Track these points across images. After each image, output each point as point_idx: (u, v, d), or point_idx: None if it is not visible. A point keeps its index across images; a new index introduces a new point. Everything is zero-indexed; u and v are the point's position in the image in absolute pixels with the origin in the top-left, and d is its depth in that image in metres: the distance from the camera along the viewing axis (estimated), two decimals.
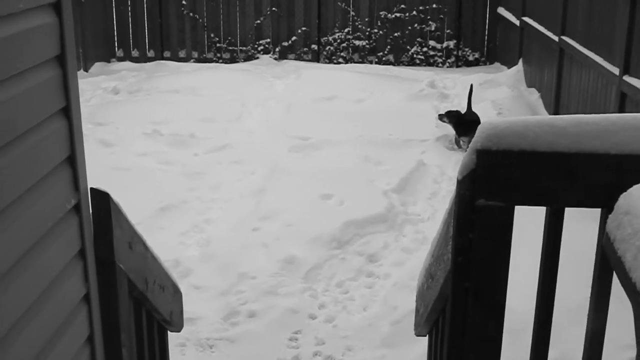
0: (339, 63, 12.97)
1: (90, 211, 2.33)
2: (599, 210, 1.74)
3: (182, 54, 13.15)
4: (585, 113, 7.50)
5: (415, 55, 13.04)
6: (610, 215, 1.39)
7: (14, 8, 1.83)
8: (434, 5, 12.85)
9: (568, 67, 8.27)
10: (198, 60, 13.08)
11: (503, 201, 1.73)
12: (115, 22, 13.09)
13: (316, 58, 13.10)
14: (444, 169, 7.58)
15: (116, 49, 13.16)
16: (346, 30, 13.03)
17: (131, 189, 6.68)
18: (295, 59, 13.05)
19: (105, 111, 9.25)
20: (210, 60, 13.09)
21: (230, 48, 13.16)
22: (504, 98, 9.80)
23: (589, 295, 1.83)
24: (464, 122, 8.22)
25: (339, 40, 13.05)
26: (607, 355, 2.00)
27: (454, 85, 10.78)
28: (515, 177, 1.70)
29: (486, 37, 13.08)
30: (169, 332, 3.47)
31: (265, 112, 9.46)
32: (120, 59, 13.09)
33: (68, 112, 2.16)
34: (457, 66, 13.01)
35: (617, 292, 1.32)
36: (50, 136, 2.06)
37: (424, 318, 2.87)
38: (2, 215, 1.80)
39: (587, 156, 1.66)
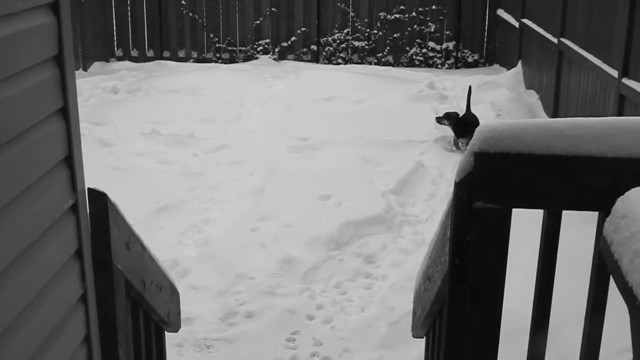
0: (338, 64, 12.97)
1: (88, 211, 2.33)
2: (597, 213, 1.74)
3: (181, 54, 13.15)
4: (584, 115, 7.50)
5: (414, 57, 13.04)
6: (607, 219, 1.38)
7: (12, 8, 1.83)
8: (434, 7, 12.85)
9: (567, 69, 8.27)
10: (197, 60, 13.07)
11: (500, 204, 1.73)
12: (114, 21, 13.09)
13: (315, 59, 13.10)
14: (443, 170, 7.58)
15: (115, 48, 13.16)
16: (345, 31, 13.03)
17: (130, 189, 6.67)
18: (295, 60, 13.05)
19: (104, 111, 9.25)
20: (209, 61, 13.08)
21: (230, 48, 13.16)
22: (503, 100, 9.80)
23: (586, 298, 1.83)
24: (462, 124, 8.22)
25: (338, 41, 13.05)
26: (606, 358, 2.00)
27: (453, 87, 10.78)
28: (513, 180, 1.70)
29: (485, 39, 13.08)
30: (166, 332, 3.47)
31: (265, 112, 9.45)
32: (120, 59, 13.09)
33: (66, 113, 2.16)
34: (457, 67, 13.01)
35: (615, 295, 1.32)
36: (47, 136, 2.06)
37: (421, 320, 2.87)
38: None
39: (584, 159, 1.67)
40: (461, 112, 8.61)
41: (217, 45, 13.13)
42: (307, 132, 8.51)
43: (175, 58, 13.03)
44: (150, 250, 2.84)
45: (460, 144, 8.28)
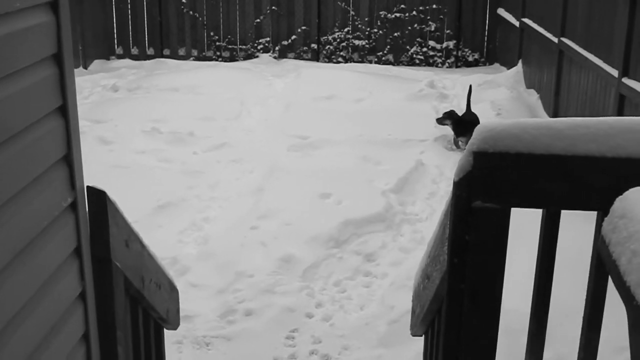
0: (338, 62, 12.97)
1: (87, 209, 2.33)
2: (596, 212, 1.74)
3: (181, 52, 13.15)
4: (584, 115, 7.50)
5: (414, 55, 13.04)
6: (605, 218, 1.39)
7: (10, 7, 1.83)
8: (434, 6, 12.85)
9: (567, 68, 8.27)
10: (197, 59, 13.07)
11: (499, 203, 1.73)
12: (114, 19, 13.08)
13: (316, 57, 13.10)
14: (443, 169, 7.58)
15: (116, 46, 13.16)
16: (346, 29, 13.02)
17: (130, 187, 6.68)
18: (295, 58, 13.05)
19: (105, 109, 9.25)
20: (209, 59, 13.08)
21: (230, 46, 13.16)
22: (503, 99, 9.80)
23: (585, 297, 1.83)
24: (462, 123, 8.21)
25: (338, 40, 13.05)
26: (605, 357, 2.00)
27: (453, 86, 10.78)
28: (512, 180, 1.70)
29: (486, 38, 13.08)
30: (165, 329, 3.47)
31: (265, 110, 9.45)
32: (120, 57, 13.09)
33: (65, 111, 2.16)
34: (457, 66, 13.01)
35: (615, 294, 1.32)
36: (46, 135, 2.06)
37: (420, 318, 2.87)
38: None
39: (583, 159, 1.67)
40: (461, 111, 8.61)
41: (218, 43, 13.13)
42: (307, 131, 8.51)
43: (175, 56, 13.03)
44: (149, 248, 2.84)
45: (460, 142, 8.28)
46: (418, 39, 13.01)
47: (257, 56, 13.05)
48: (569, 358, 2.50)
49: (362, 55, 13.05)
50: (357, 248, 5.93)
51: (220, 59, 13.08)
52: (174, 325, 3.51)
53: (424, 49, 13.03)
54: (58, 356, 2.16)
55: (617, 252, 1.27)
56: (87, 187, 2.32)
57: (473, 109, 8.60)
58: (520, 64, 10.87)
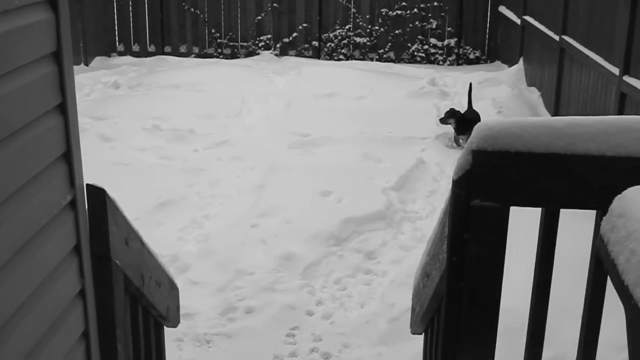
0: (339, 60, 12.96)
1: (86, 207, 2.33)
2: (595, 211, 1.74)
3: (182, 49, 13.15)
4: (585, 113, 7.49)
5: (416, 53, 13.03)
6: (604, 218, 1.38)
7: (9, 5, 1.83)
8: (435, 3, 12.83)
9: (568, 66, 8.26)
10: (199, 56, 13.07)
11: (498, 202, 1.72)
12: (116, 16, 13.08)
13: (317, 55, 13.09)
14: (444, 167, 7.57)
15: (117, 43, 13.16)
16: (347, 27, 13.01)
17: (130, 184, 6.68)
18: (296, 56, 13.04)
19: (105, 106, 9.25)
20: (211, 56, 13.08)
21: (231, 44, 13.15)
22: (504, 97, 9.79)
23: (584, 296, 1.83)
24: (463, 121, 8.21)
25: (340, 37, 13.04)
26: (604, 356, 2.00)
27: (454, 83, 10.78)
28: (511, 178, 1.70)
29: (487, 36, 13.07)
30: (165, 327, 3.47)
31: (266, 108, 9.45)
32: (121, 54, 13.09)
33: (64, 109, 2.16)
34: (458, 64, 13.00)
35: (614, 293, 1.32)
36: (46, 133, 2.06)
37: (420, 316, 2.87)
38: None
39: (583, 158, 1.66)
40: (463, 109, 8.60)
41: (219, 40, 13.12)
42: (308, 129, 8.50)
43: (176, 53, 13.03)
44: (149, 246, 2.84)
45: (460, 140, 8.27)
46: (419, 37, 13.00)
47: (258, 53, 13.04)
48: (568, 357, 2.50)
49: (364, 53, 13.04)
50: (358, 246, 5.93)
51: (221, 56, 13.08)
52: (174, 323, 3.51)
53: (425, 47, 13.02)
54: (57, 354, 2.17)
55: (615, 251, 1.27)
56: (87, 185, 2.32)
57: (474, 107, 8.60)
58: (521, 61, 10.86)
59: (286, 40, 13.09)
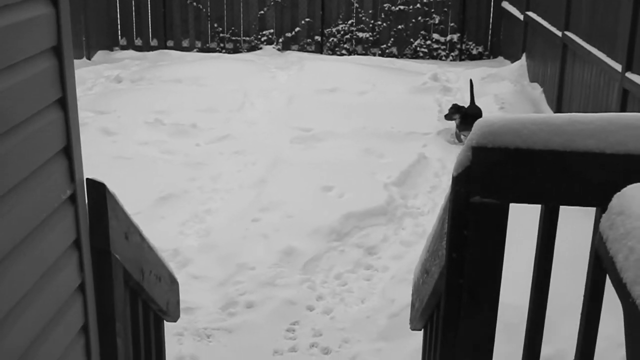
0: (342, 55, 12.95)
1: (86, 202, 2.33)
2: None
3: (185, 43, 13.14)
4: (587, 109, 7.49)
5: (418, 48, 13.01)
6: (603, 215, 1.38)
7: None
8: None
9: (571, 62, 8.25)
10: (201, 50, 13.06)
11: (498, 199, 1.72)
12: (118, 10, 13.07)
13: (319, 49, 13.08)
14: (445, 162, 7.57)
15: (119, 37, 13.15)
16: (350, 22, 13.00)
17: (132, 178, 6.69)
18: (299, 50, 13.03)
19: (108, 99, 9.25)
20: (213, 50, 13.07)
21: (234, 38, 13.14)
22: (506, 92, 9.78)
23: (583, 293, 1.83)
24: (465, 116, 8.20)
25: (342, 32, 13.02)
26: (604, 352, 2.00)
27: (457, 79, 10.76)
28: (511, 175, 1.70)
29: (490, 31, 13.05)
30: (165, 322, 3.48)
31: (268, 103, 9.45)
32: (123, 48, 13.08)
33: (64, 103, 2.16)
34: (461, 60, 12.98)
35: (614, 291, 1.32)
36: (46, 127, 2.06)
37: (419, 312, 2.87)
38: None
39: (582, 155, 1.66)
40: (465, 104, 8.59)
41: (221, 35, 13.11)
42: (310, 123, 8.50)
43: (179, 47, 13.03)
44: (149, 240, 2.85)
45: (462, 136, 8.26)
46: (422, 32, 12.98)
47: (261, 48, 13.03)
48: (567, 353, 2.50)
49: (366, 48, 13.03)
50: (359, 241, 5.93)
51: (223, 51, 13.07)
52: (174, 318, 3.52)
53: (428, 42, 13.00)
54: (57, 348, 2.17)
55: (614, 249, 1.27)
56: (87, 179, 2.32)
57: (476, 103, 8.59)
58: (524, 57, 10.85)
59: (289, 34, 13.08)
